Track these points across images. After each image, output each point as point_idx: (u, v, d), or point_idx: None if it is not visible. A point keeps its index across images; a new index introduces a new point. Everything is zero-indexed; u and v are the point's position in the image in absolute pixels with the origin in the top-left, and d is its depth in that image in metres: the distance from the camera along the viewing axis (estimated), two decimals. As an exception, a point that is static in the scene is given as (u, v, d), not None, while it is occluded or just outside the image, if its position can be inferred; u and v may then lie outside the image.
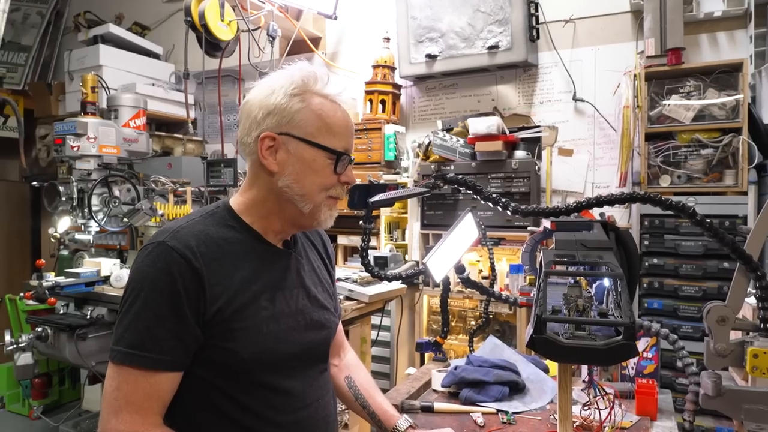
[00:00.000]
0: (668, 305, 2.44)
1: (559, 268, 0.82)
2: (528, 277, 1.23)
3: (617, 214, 2.71)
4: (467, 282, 1.53)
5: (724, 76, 2.42)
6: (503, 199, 1.19)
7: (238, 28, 2.89)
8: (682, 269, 2.42)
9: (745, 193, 2.34)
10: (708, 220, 1.15)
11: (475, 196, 1.24)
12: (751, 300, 1.36)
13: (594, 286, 0.93)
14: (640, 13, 2.73)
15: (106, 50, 3.60)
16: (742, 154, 2.34)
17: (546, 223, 1.13)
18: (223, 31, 2.78)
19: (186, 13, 2.71)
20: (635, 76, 2.56)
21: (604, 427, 1.18)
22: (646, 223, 2.49)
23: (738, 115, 2.36)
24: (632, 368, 1.60)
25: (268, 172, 0.98)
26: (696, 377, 1.35)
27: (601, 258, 0.81)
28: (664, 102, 2.51)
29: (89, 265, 2.76)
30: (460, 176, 1.23)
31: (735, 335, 1.31)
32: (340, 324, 1.28)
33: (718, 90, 2.43)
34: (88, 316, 2.55)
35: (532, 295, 1.18)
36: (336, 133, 0.98)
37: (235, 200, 1.04)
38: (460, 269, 1.50)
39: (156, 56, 3.96)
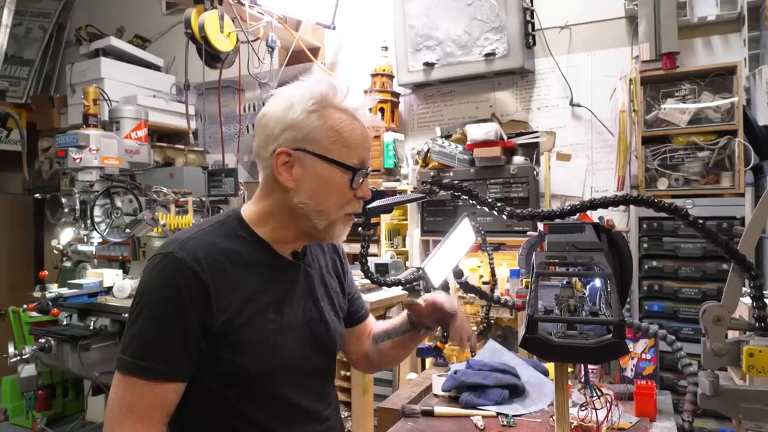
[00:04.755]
0: (668, 307, 2.45)
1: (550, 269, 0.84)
2: (524, 281, 1.24)
3: (616, 218, 2.73)
4: (466, 286, 1.55)
5: (719, 79, 2.44)
6: (498, 204, 1.22)
7: (237, 40, 2.92)
8: (682, 271, 2.43)
9: (743, 195, 2.35)
10: (701, 221, 1.17)
11: (471, 201, 1.26)
12: (747, 299, 1.37)
13: (588, 287, 0.94)
14: (634, 19, 2.75)
15: (108, 63, 3.64)
16: (738, 156, 2.36)
17: (541, 227, 1.15)
18: (222, 43, 2.81)
19: (186, 26, 2.74)
20: (631, 80, 2.58)
21: (602, 427, 1.18)
22: (644, 225, 2.50)
23: (733, 118, 2.38)
24: (632, 370, 1.61)
25: (283, 188, 0.97)
26: (694, 377, 1.36)
27: (592, 259, 0.83)
28: (660, 106, 2.53)
29: (92, 276, 2.78)
30: (456, 182, 1.25)
31: (732, 335, 1.32)
32: (371, 316, 1.31)
33: (713, 93, 2.45)
34: (91, 327, 2.56)
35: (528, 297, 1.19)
36: (352, 148, 0.97)
37: (247, 210, 1.04)
38: (458, 274, 1.51)
39: (157, 68, 4.01)
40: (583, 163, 2.99)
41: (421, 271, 1.28)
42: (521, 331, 0.78)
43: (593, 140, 2.98)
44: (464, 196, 1.25)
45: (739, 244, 1.30)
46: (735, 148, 2.37)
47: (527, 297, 0.82)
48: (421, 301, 1.15)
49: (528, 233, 2.77)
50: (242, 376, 0.94)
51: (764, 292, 1.30)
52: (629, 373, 1.61)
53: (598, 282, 0.83)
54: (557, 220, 1.04)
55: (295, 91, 0.98)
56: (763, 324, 1.24)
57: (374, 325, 1.29)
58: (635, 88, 2.55)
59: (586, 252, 0.86)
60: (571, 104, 3.01)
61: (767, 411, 1.24)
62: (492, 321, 2.84)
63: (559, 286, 0.90)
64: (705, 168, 2.45)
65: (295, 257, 1.06)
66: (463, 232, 1.43)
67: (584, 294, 0.93)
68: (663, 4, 2.54)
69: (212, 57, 2.92)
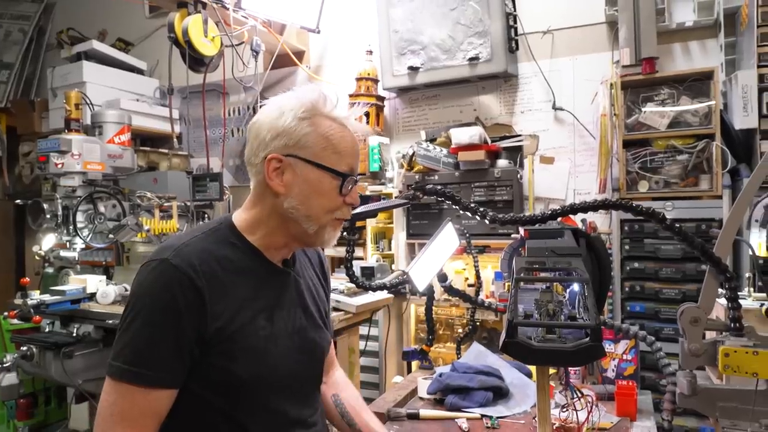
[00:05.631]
0: (650, 308, 2.49)
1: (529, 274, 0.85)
2: (506, 284, 1.26)
3: (598, 220, 2.77)
4: (450, 290, 1.57)
5: (697, 83, 2.49)
6: (481, 209, 1.23)
7: (221, 44, 2.92)
8: (662, 272, 2.47)
9: (720, 197, 2.40)
10: (677, 225, 1.20)
11: (453, 206, 1.28)
12: (723, 301, 1.41)
13: (567, 291, 0.96)
14: (615, 24, 2.80)
15: (90, 66, 3.60)
16: (716, 159, 2.41)
17: (522, 232, 1.17)
18: (206, 47, 2.81)
19: (169, 30, 2.73)
20: (612, 85, 2.63)
21: (582, 428, 1.21)
22: (626, 228, 2.54)
23: (711, 122, 2.43)
24: (613, 370, 1.64)
25: (274, 193, 0.99)
26: (673, 377, 1.39)
27: (570, 264, 0.85)
28: (640, 110, 2.58)
29: (75, 282, 2.75)
30: (439, 187, 1.27)
31: (709, 335, 1.36)
32: (332, 343, 1.28)
33: (691, 97, 2.50)
34: (74, 334, 2.53)
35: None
36: (342, 155, 0.99)
37: (238, 217, 1.04)
38: (442, 278, 1.53)
39: (140, 72, 3.98)
40: (566, 166, 3.04)
41: (405, 275, 1.29)
42: (501, 335, 0.79)
43: (575, 143, 3.02)
44: (447, 201, 1.27)
45: (714, 247, 1.34)
46: (713, 151, 2.42)
47: (507, 302, 0.84)
48: None
49: (513, 236, 2.80)
50: (233, 383, 0.95)
51: (739, 293, 1.33)
52: (610, 374, 1.64)
53: (576, 286, 0.85)
54: (537, 226, 1.06)
55: (286, 100, 1.00)
56: (738, 324, 1.27)
57: (331, 350, 1.25)
58: (616, 92, 2.59)
59: (565, 257, 0.88)
60: (554, 108, 3.05)
61: (743, 409, 1.27)
62: (477, 323, 2.86)
63: (539, 291, 0.92)
64: (684, 171, 2.50)
65: (285, 265, 1.07)
66: (447, 237, 1.45)
67: (564, 298, 0.95)
68: (642, 9, 2.59)
69: (196, 61, 2.91)
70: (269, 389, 0.98)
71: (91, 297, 2.67)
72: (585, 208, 1.22)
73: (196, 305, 0.91)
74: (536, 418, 1.41)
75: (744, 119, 2.31)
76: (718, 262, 1.27)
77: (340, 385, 1.25)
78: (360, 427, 1.16)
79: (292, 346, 1.03)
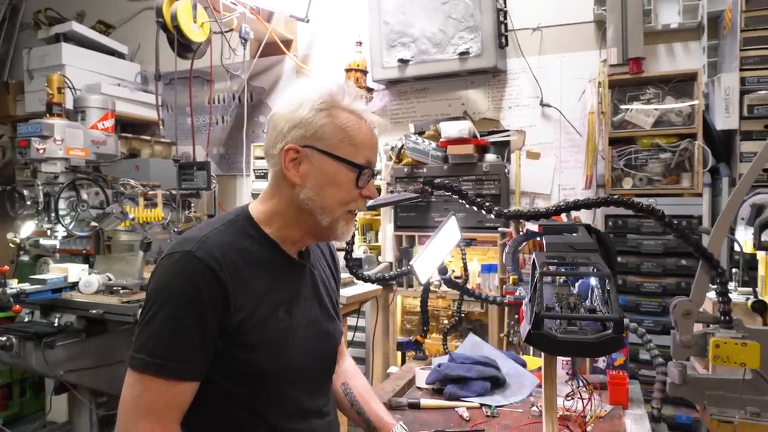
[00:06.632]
0: (631, 301, 2.57)
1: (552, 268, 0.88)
2: (512, 278, 1.29)
3: (583, 215, 2.83)
4: (449, 283, 1.59)
5: (681, 84, 2.56)
6: (487, 203, 1.26)
7: (210, 30, 2.87)
8: (644, 267, 2.55)
9: (701, 195, 2.49)
10: (675, 222, 1.25)
11: (460, 201, 1.30)
12: (712, 294, 1.47)
13: (577, 284, 0.99)
14: (603, 24, 2.86)
15: (69, 49, 3.49)
16: (697, 158, 2.49)
17: (530, 226, 1.19)
18: (195, 33, 2.76)
19: (157, 14, 2.68)
20: (599, 83, 2.68)
21: (585, 415, 1.25)
22: (610, 223, 2.61)
23: (693, 122, 2.51)
24: (603, 361, 1.70)
25: (291, 184, 0.99)
26: (663, 367, 1.46)
27: (589, 259, 0.88)
28: (626, 108, 2.64)
29: (55, 271, 2.68)
30: (447, 182, 1.29)
31: (697, 327, 1.42)
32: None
33: (675, 97, 2.57)
34: (56, 324, 2.48)
35: (518, 293, 1.24)
36: (359, 147, 0.99)
37: (255, 209, 1.04)
38: (442, 270, 1.55)
39: (121, 56, 3.87)
40: (552, 161, 3.09)
41: (410, 267, 1.31)
42: (524, 327, 0.82)
43: (561, 140, 3.08)
44: (454, 196, 1.29)
45: (707, 244, 1.40)
46: (694, 150, 2.50)
47: (529, 294, 0.87)
48: None
49: (499, 230, 2.85)
50: (254, 374, 0.95)
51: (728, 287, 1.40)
52: (601, 364, 1.70)
53: (593, 280, 0.88)
54: (550, 222, 1.09)
55: (304, 92, 1.00)
56: (727, 317, 1.34)
57: (342, 345, 1.28)
58: (604, 90, 2.65)
59: (583, 252, 0.91)
60: (541, 104, 3.10)
61: (730, 397, 1.34)
62: (463, 315, 2.91)
63: (551, 284, 0.95)
64: (667, 169, 2.58)
65: (300, 257, 1.08)
66: (450, 230, 1.47)
67: (575, 291, 0.98)
68: (630, 10, 2.64)
69: (184, 47, 2.86)
70: (288, 380, 1.00)
71: (73, 286, 2.62)
72: (589, 204, 1.25)
73: (220, 298, 0.91)
74: (534, 407, 1.46)
75: (725, 120, 2.40)
76: (711, 258, 1.33)
77: (349, 374, 1.27)
78: (369, 415, 1.17)
79: (309, 337, 1.04)
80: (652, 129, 2.59)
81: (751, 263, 1.57)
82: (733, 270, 1.61)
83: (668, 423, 2.39)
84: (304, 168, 0.98)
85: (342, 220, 1.02)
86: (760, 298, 1.47)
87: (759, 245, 1.46)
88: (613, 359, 1.69)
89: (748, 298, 1.48)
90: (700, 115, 2.50)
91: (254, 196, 3.50)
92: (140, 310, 0.94)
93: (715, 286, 1.39)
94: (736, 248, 1.55)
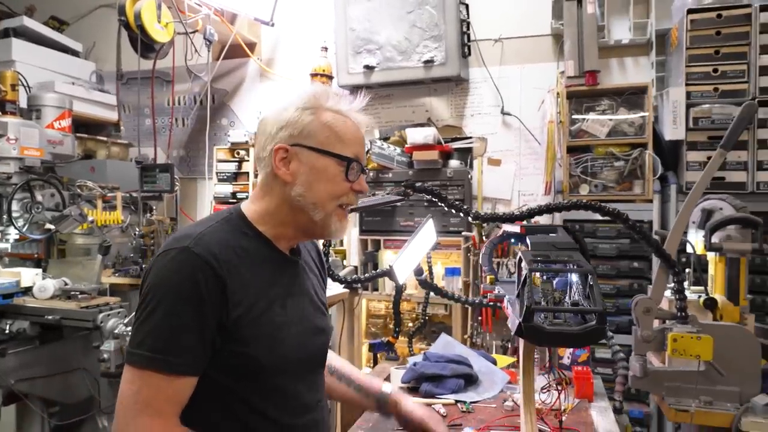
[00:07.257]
0: (588, 302, 2.70)
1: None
2: (489, 277, 1.35)
3: (542, 218, 2.95)
4: (424, 284, 1.64)
5: (633, 96, 2.73)
6: (465, 207, 1.32)
7: (174, 31, 2.82)
8: (599, 269, 2.68)
9: (651, 201, 2.65)
10: (638, 225, 1.35)
11: (440, 204, 1.35)
12: (668, 293, 1.58)
13: (555, 281, 1.05)
14: (560, 37, 3.00)
15: (20, 44, 3.33)
16: (648, 166, 2.65)
17: (508, 228, 1.25)
18: (159, 33, 2.71)
19: (120, 13, 2.61)
20: (558, 93, 2.82)
21: (560, 407, 1.32)
22: (567, 227, 2.73)
23: (644, 132, 2.68)
24: (568, 357, 1.78)
25: (282, 182, 1.01)
26: (624, 362, 1.55)
27: (571, 257, 0.94)
28: (582, 117, 2.78)
29: (6, 276, 2.56)
30: (427, 185, 1.34)
31: (654, 324, 1.52)
32: None
33: (628, 109, 2.73)
34: (7, 331, 2.38)
35: (496, 292, 1.30)
36: (346, 142, 1.03)
37: (248, 208, 1.06)
38: (418, 271, 1.60)
39: (75, 53, 3.73)
40: (512, 168, 3.21)
41: (390, 269, 1.34)
42: (513, 320, 0.87)
43: (521, 147, 3.20)
44: (434, 199, 1.34)
45: (665, 245, 1.50)
46: (645, 159, 2.66)
47: (518, 291, 0.92)
48: (409, 409, 1.24)
49: (463, 234, 2.93)
50: (252, 369, 0.97)
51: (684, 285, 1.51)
52: (566, 361, 1.79)
53: (573, 277, 0.94)
54: (524, 222, 1.15)
55: (289, 97, 1.05)
56: (684, 313, 1.45)
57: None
58: (562, 101, 2.78)
59: (565, 251, 0.97)
60: (502, 113, 3.22)
61: (686, 388, 1.45)
62: (428, 317, 2.97)
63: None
64: (620, 176, 2.73)
65: (292, 254, 1.10)
66: (427, 233, 1.52)
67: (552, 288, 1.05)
68: (585, 26, 2.79)
69: (146, 47, 2.80)
70: (285, 374, 1.01)
71: (26, 291, 2.51)
72: (560, 207, 1.34)
73: (218, 293, 0.92)
74: (505, 402, 1.52)
75: (673, 131, 2.57)
76: (669, 258, 1.44)
77: (332, 358, 1.30)
78: (358, 382, 1.22)
79: (303, 332, 1.06)
80: (606, 138, 2.74)
81: (702, 263, 1.70)
82: (686, 270, 1.73)
83: (623, 416, 2.51)
84: (294, 166, 1.01)
85: (335, 216, 1.04)
86: (711, 295, 1.59)
87: (710, 247, 1.58)
88: (578, 356, 1.79)
89: (699, 296, 1.60)
90: (650, 126, 2.67)
91: (216, 199, 3.46)
92: (137, 308, 0.93)
93: (671, 285, 1.50)
94: (689, 249, 1.67)
